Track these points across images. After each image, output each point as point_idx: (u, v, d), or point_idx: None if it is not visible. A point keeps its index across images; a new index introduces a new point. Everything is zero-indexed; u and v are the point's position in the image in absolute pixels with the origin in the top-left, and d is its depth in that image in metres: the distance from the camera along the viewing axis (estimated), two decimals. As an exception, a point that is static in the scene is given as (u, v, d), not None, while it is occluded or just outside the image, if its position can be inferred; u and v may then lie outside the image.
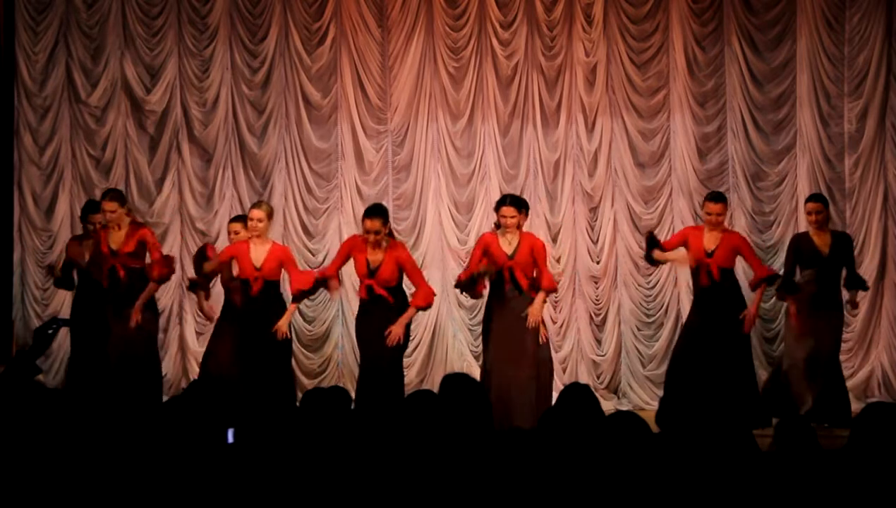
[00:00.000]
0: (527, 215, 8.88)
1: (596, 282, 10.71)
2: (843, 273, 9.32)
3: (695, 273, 9.17)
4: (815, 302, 9.18)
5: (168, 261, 8.91)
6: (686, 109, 10.68)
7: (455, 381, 4.76)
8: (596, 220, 10.76)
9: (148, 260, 8.82)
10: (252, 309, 8.76)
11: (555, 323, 10.66)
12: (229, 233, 9.14)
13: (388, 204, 10.58)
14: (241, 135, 10.61)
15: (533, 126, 10.72)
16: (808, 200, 9.47)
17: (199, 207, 10.50)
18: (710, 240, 9.10)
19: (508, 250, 8.68)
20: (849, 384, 10.30)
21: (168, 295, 10.47)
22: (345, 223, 10.59)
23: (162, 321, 10.45)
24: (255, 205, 8.97)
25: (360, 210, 10.55)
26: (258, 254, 8.76)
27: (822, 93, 10.55)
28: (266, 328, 8.63)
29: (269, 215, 8.89)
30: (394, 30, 10.70)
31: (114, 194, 8.93)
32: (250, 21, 10.67)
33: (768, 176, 10.60)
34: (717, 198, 9.26)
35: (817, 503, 3.94)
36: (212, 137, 10.59)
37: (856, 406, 9.48)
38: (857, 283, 9.39)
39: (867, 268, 10.43)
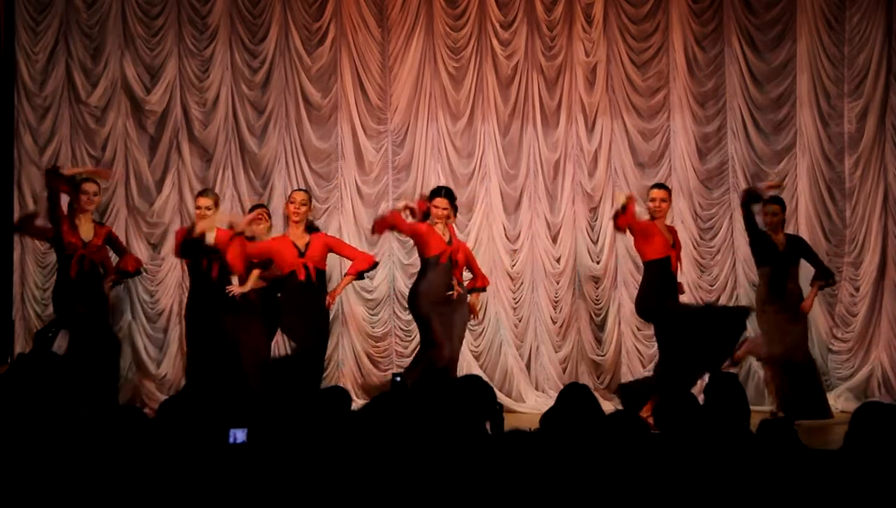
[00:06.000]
0: (455, 213, 9.30)
1: (596, 282, 10.71)
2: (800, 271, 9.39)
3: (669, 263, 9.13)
4: (774, 299, 9.23)
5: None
6: (686, 109, 10.69)
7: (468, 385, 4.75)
8: (596, 220, 10.76)
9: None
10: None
11: (555, 323, 10.67)
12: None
13: (388, 204, 10.58)
14: (241, 135, 10.61)
15: (533, 126, 10.73)
16: (767, 202, 9.40)
17: (199, 207, 10.48)
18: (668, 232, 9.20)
19: (445, 237, 9.10)
20: (849, 384, 10.32)
21: (168, 295, 10.46)
22: (345, 223, 10.58)
23: (162, 321, 10.46)
24: (202, 193, 9.31)
25: (361, 210, 10.57)
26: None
27: (822, 93, 10.56)
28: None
29: (216, 203, 9.20)
30: (394, 30, 10.70)
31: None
32: (250, 21, 10.66)
33: (768, 176, 10.60)
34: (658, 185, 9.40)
35: (815, 502, 3.94)
36: (212, 137, 10.58)
37: (855, 405, 9.47)
38: (824, 275, 9.39)
39: (867, 268, 10.44)
